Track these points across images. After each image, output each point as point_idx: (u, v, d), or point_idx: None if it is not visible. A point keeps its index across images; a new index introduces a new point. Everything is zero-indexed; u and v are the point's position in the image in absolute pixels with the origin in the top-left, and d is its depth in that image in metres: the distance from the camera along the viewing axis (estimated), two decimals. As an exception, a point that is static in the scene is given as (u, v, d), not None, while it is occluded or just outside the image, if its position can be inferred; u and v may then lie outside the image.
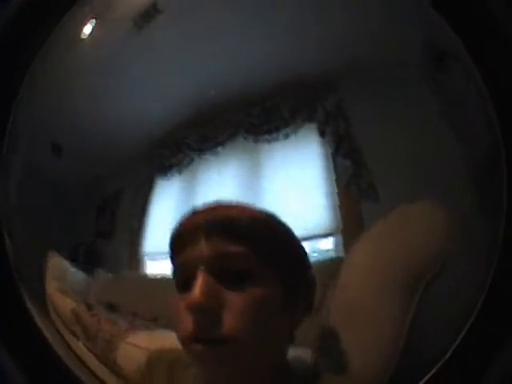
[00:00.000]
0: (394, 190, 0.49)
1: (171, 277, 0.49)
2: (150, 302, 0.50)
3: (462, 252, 0.50)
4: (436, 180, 0.50)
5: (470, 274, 0.52)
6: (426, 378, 0.53)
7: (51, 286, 0.55)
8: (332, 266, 0.47)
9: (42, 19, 0.56)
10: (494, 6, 0.54)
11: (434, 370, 0.53)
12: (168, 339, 0.49)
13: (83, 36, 0.53)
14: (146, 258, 0.50)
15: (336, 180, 0.48)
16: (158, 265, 0.50)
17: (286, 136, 0.48)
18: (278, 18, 0.49)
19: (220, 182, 0.47)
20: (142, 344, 0.51)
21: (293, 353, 0.48)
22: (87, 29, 0.53)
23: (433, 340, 0.53)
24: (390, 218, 0.48)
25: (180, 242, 0.46)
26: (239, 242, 0.45)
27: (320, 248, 0.48)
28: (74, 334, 0.54)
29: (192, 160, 0.48)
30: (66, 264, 0.53)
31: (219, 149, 0.47)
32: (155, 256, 0.50)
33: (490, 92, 0.54)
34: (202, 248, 0.45)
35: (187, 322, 0.46)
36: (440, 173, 0.50)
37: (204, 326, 0.45)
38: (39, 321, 0.58)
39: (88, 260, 0.51)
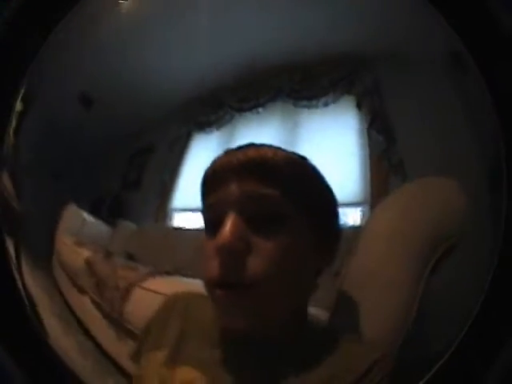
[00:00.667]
0: (421, 169, 0.50)
1: (196, 231, 0.48)
2: (172, 255, 0.49)
3: (473, 231, 0.52)
4: (457, 164, 0.51)
5: (478, 256, 0.53)
6: (428, 375, 0.54)
7: (63, 241, 0.54)
8: (355, 233, 0.48)
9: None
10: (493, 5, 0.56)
11: (437, 365, 0.54)
12: (186, 285, 0.49)
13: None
14: (173, 212, 0.49)
15: (369, 152, 0.49)
16: (185, 220, 0.49)
17: (325, 104, 0.49)
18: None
19: (257, 141, 0.47)
20: (161, 290, 0.50)
21: (310, 312, 0.48)
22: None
23: (437, 332, 0.53)
24: (412, 190, 0.49)
25: (212, 181, 0.45)
26: (272, 185, 0.44)
27: (347, 215, 0.49)
28: (80, 289, 0.53)
29: (232, 118, 0.48)
30: (85, 216, 0.52)
31: (259, 109, 0.48)
32: (184, 211, 0.49)
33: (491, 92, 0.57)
34: (234, 189, 0.44)
35: (213, 265, 0.44)
36: (460, 159, 0.52)
37: (230, 268, 0.44)
38: (35, 287, 0.57)
39: (111, 211, 0.51)
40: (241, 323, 0.46)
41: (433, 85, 0.52)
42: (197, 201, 0.49)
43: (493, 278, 0.54)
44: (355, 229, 0.48)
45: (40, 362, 0.58)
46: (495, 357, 0.55)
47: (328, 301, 0.48)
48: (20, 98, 0.58)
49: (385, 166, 0.49)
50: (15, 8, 0.57)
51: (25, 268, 0.57)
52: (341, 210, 0.48)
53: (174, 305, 0.49)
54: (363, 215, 0.49)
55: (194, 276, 0.48)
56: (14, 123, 0.58)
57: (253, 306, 0.45)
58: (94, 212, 0.52)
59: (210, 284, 0.45)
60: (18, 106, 0.58)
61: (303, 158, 0.46)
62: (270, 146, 0.45)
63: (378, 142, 0.49)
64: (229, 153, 0.45)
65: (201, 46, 0.50)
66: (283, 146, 0.47)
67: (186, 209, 0.49)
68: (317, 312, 0.48)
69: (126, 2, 0.54)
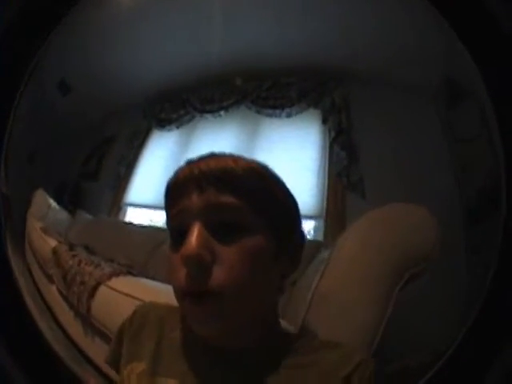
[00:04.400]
0: (381, 190, 0.50)
1: (148, 228, 0.48)
2: (125, 250, 0.49)
3: (448, 257, 0.50)
4: (424, 188, 0.50)
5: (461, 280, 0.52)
6: (428, 375, 0.53)
7: (32, 225, 0.54)
8: (312, 246, 0.48)
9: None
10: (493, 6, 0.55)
11: (434, 369, 0.53)
12: (150, 287, 0.49)
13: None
14: (127, 206, 0.49)
15: (329, 167, 0.48)
16: (138, 215, 0.49)
17: (289, 115, 0.48)
18: (310, 7, 0.51)
19: (216, 143, 0.47)
20: (127, 291, 0.50)
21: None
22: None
23: (433, 339, 0.52)
24: (382, 212, 0.48)
25: (175, 193, 0.45)
26: (233, 194, 0.44)
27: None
28: (49, 278, 0.53)
29: (192, 118, 0.48)
30: (50, 202, 0.53)
31: (221, 112, 0.48)
32: (137, 206, 0.49)
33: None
34: (196, 199, 0.44)
35: (181, 275, 0.44)
36: (429, 182, 0.51)
37: (197, 278, 0.44)
38: (16, 267, 0.57)
39: (71, 199, 0.51)
40: (211, 331, 0.46)
41: (409, 109, 0.51)
42: (150, 197, 0.48)
43: (493, 278, 0.53)
44: (312, 242, 0.48)
45: (40, 362, 0.58)
46: (495, 357, 0.53)
47: (295, 317, 0.48)
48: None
49: (343, 182, 0.48)
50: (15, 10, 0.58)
51: (9, 250, 0.57)
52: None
53: (147, 315, 0.50)
54: (318, 229, 0.48)
55: (149, 274, 0.49)
56: (15, 102, 0.59)
57: (221, 313, 0.44)
58: (57, 198, 0.52)
59: (179, 293, 0.45)
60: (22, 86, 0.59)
61: (264, 168, 0.45)
62: (231, 155, 0.45)
63: (340, 158, 0.49)
64: (190, 163, 0.45)
65: (170, 44, 0.50)
66: (240, 153, 0.47)
67: (140, 204, 0.49)
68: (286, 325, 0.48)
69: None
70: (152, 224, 0.49)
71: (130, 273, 0.50)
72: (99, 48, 0.53)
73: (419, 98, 0.52)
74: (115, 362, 0.51)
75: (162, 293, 0.49)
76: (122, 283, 0.50)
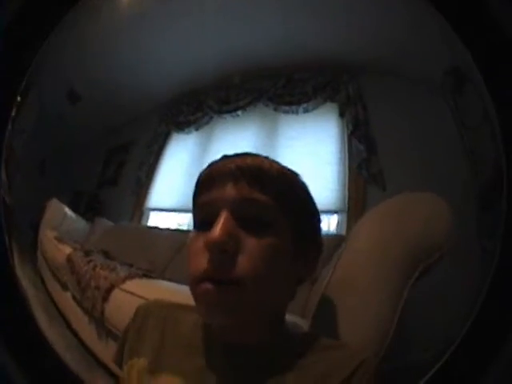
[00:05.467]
0: (401, 181, 0.50)
1: (170, 231, 0.48)
2: (146, 254, 0.49)
3: (462, 247, 0.51)
4: (441, 178, 0.51)
5: (469, 271, 0.52)
6: (428, 375, 0.53)
7: (45, 235, 0.54)
8: (334, 241, 0.48)
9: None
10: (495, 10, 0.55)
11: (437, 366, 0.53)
12: (165, 288, 0.49)
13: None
14: (148, 211, 0.49)
15: (348, 160, 0.48)
16: (161, 219, 0.49)
17: (306, 110, 0.49)
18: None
19: (236, 143, 0.47)
20: (141, 293, 0.50)
21: (290, 320, 0.48)
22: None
23: (435, 334, 0.53)
24: (395, 202, 0.49)
25: (207, 182, 0.46)
26: (265, 191, 0.46)
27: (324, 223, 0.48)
28: (63, 285, 0.53)
29: (210, 119, 0.48)
30: (65, 211, 0.52)
31: (239, 112, 0.48)
32: (159, 210, 0.49)
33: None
34: (229, 190, 0.45)
35: (202, 261, 0.45)
36: (445, 171, 0.51)
37: (219, 265, 0.44)
38: (24, 277, 0.57)
39: (90, 208, 0.51)
40: (223, 319, 0.47)
41: (421, 99, 0.52)
42: (172, 200, 0.48)
43: (493, 277, 0.53)
44: (334, 237, 0.48)
45: (40, 362, 0.58)
46: (495, 357, 0.53)
47: (308, 309, 0.48)
48: (20, 91, 0.59)
49: (364, 175, 0.48)
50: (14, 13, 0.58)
51: (17, 262, 0.57)
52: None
53: (149, 314, 0.50)
54: (340, 222, 0.48)
55: (170, 278, 0.49)
56: (13, 113, 0.58)
57: (237, 302, 0.45)
58: (73, 207, 0.52)
59: (197, 279, 0.45)
60: (18, 98, 0.59)
61: (295, 174, 0.47)
62: (266, 157, 0.47)
63: (359, 151, 0.49)
64: (226, 158, 0.47)
65: (185, 47, 0.50)
66: (261, 150, 0.47)
67: (161, 208, 0.49)
68: (297, 320, 0.48)
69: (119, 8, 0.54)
70: (176, 227, 0.49)
71: (145, 275, 0.50)
72: (109, 55, 0.53)
73: (428, 87, 0.52)
74: (121, 361, 0.52)
75: (177, 293, 0.49)
76: (137, 285, 0.51)
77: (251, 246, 0.45)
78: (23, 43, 0.59)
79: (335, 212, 0.49)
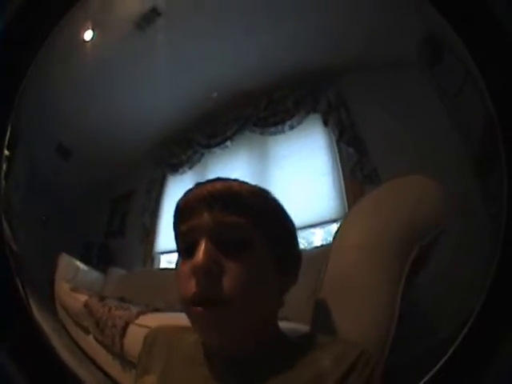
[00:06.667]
0: (395, 173, 0.51)
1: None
2: (161, 295, 0.51)
3: (459, 229, 0.52)
4: (433, 161, 0.52)
5: (470, 257, 0.54)
6: (428, 375, 0.55)
7: (61, 288, 0.55)
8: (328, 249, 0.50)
9: (41, 21, 0.57)
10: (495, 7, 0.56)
11: (437, 365, 0.55)
12: (174, 319, 0.51)
13: (86, 39, 0.54)
14: (159, 254, 0.51)
15: (341, 167, 0.50)
16: (171, 260, 0.51)
17: (291, 127, 0.49)
18: (280, 12, 0.51)
19: (230, 174, 0.48)
20: (152, 324, 0.53)
21: (288, 325, 0.50)
22: (88, 32, 0.54)
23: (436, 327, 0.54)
24: (378, 193, 0.50)
25: (184, 211, 0.49)
26: (239, 213, 0.48)
27: (327, 233, 0.50)
28: (84, 329, 0.55)
29: (202, 155, 0.49)
30: (77, 264, 0.54)
31: (227, 143, 0.49)
32: (168, 253, 0.51)
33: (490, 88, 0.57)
34: (205, 217, 0.48)
35: (190, 285, 0.48)
36: (436, 154, 0.52)
37: (205, 286, 0.48)
38: (45, 325, 0.58)
39: (101, 259, 0.52)
40: (217, 336, 0.50)
41: (406, 86, 0.52)
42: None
43: (493, 277, 0.55)
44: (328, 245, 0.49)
45: (40, 362, 0.60)
46: (495, 357, 0.55)
47: (305, 315, 0.50)
48: (6, 144, 0.59)
49: (358, 177, 0.50)
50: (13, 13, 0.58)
51: (33, 306, 0.59)
52: (322, 229, 0.49)
53: (155, 339, 0.54)
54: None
55: (182, 311, 0.50)
56: (4, 168, 0.59)
57: (226, 319, 0.49)
58: (84, 260, 0.53)
59: (188, 302, 0.49)
60: (5, 151, 0.59)
61: (266, 191, 0.49)
62: (235, 180, 0.49)
63: (349, 155, 0.50)
64: (199, 186, 0.49)
65: (160, 87, 0.50)
66: (254, 175, 0.49)
67: (171, 250, 0.50)
68: (296, 326, 0.50)
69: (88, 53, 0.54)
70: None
71: (156, 310, 0.52)
72: (88, 107, 0.53)
73: (405, 67, 0.53)
74: None
75: (182, 319, 0.51)
76: (150, 319, 0.53)
77: (233, 267, 0.48)
78: (22, 44, 0.58)
79: (336, 220, 0.50)
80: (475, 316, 0.54)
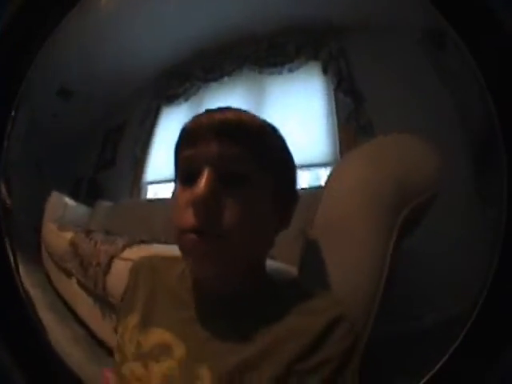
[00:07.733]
0: (390, 129, 0.51)
1: (169, 200, 0.50)
2: (147, 226, 0.51)
3: (453, 195, 0.52)
4: (429, 123, 0.52)
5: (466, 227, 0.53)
6: (428, 375, 0.53)
7: (48, 229, 0.55)
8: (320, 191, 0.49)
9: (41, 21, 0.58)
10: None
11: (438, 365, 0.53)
12: (160, 250, 0.51)
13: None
14: (147, 185, 0.50)
15: (336, 114, 0.49)
16: (159, 191, 0.50)
17: (290, 70, 0.50)
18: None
19: (225, 109, 0.48)
20: (137, 257, 0.52)
21: (275, 265, 0.49)
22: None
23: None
24: (378, 143, 0.50)
25: (191, 137, 0.48)
26: (246, 146, 0.47)
27: (317, 176, 0.49)
28: (68, 273, 0.54)
29: (198, 89, 0.49)
30: (66, 201, 0.54)
31: (225, 78, 0.49)
32: (157, 183, 0.50)
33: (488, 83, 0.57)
34: (212, 146, 0.47)
35: (188, 215, 0.47)
36: (433, 116, 0.52)
37: (204, 219, 0.46)
38: (29, 283, 0.58)
39: (89, 193, 0.52)
40: (209, 269, 0.49)
41: (402, 49, 0.53)
42: (168, 172, 0.49)
43: (493, 277, 0.54)
44: (320, 188, 0.49)
45: (40, 363, 0.58)
46: (496, 357, 0.54)
47: (293, 256, 0.49)
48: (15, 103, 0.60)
49: (353, 126, 0.49)
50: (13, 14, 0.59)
51: (20, 265, 0.58)
52: (312, 172, 0.49)
53: (140, 269, 0.52)
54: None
55: (168, 242, 0.49)
56: (9, 128, 0.60)
57: (222, 253, 0.47)
58: (73, 196, 0.53)
59: (183, 231, 0.47)
60: (13, 112, 0.60)
61: (275, 128, 0.48)
62: (245, 111, 0.48)
63: (346, 104, 0.50)
64: (209, 112, 0.48)
65: (165, 19, 0.51)
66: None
67: (159, 181, 0.50)
68: (283, 267, 0.49)
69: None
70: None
71: (143, 242, 0.52)
72: (91, 46, 0.54)
73: (408, 39, 0.53)
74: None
75: (170, 250, 0.50)
76: (135, 252, 0.52)
77: (234, 201, 0.47)
78: (21, 44, 0.59)
79: (327, 164, 0.49)
80: (475, 316, 0.53)
